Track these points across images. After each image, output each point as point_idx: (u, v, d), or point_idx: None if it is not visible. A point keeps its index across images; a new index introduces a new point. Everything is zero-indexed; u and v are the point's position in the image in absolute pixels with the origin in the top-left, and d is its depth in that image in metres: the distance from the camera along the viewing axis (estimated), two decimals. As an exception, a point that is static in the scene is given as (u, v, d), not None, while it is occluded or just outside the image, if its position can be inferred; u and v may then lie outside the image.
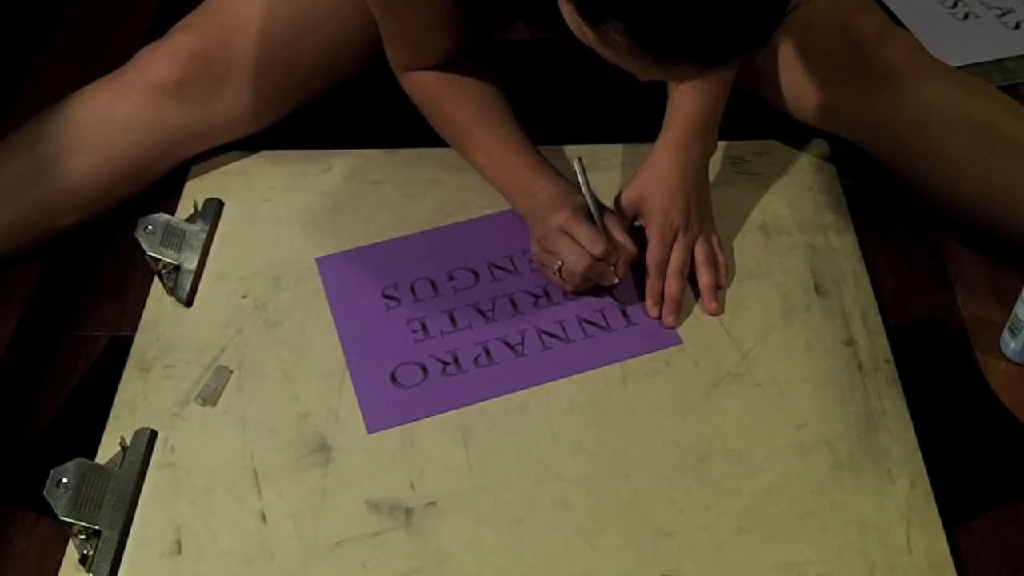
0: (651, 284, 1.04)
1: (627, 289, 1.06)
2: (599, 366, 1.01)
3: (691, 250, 1.05)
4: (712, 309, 1.04)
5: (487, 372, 1.01)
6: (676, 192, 1.04)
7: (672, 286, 1.04)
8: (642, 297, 1.05)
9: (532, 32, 1.25)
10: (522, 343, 1.03)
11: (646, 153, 1.18)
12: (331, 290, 1.08)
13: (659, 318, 1.04)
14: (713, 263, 1.06)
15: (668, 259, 1.04)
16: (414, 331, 1.05)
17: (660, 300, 1.04)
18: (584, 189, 1.03)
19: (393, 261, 1.11)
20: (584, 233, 1.01)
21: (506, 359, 1.02)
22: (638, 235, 1.06)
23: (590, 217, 1.02)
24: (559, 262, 1.02)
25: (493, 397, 0.99)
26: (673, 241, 1.04)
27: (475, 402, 0.99)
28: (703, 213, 1.07)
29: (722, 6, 0.67)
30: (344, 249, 1.12)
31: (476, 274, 1.09)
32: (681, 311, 1.04)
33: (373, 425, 0.97)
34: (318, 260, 1.11)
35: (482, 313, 1.06)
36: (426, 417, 0.98)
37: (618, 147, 1.21)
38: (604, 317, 1.05)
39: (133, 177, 1.14)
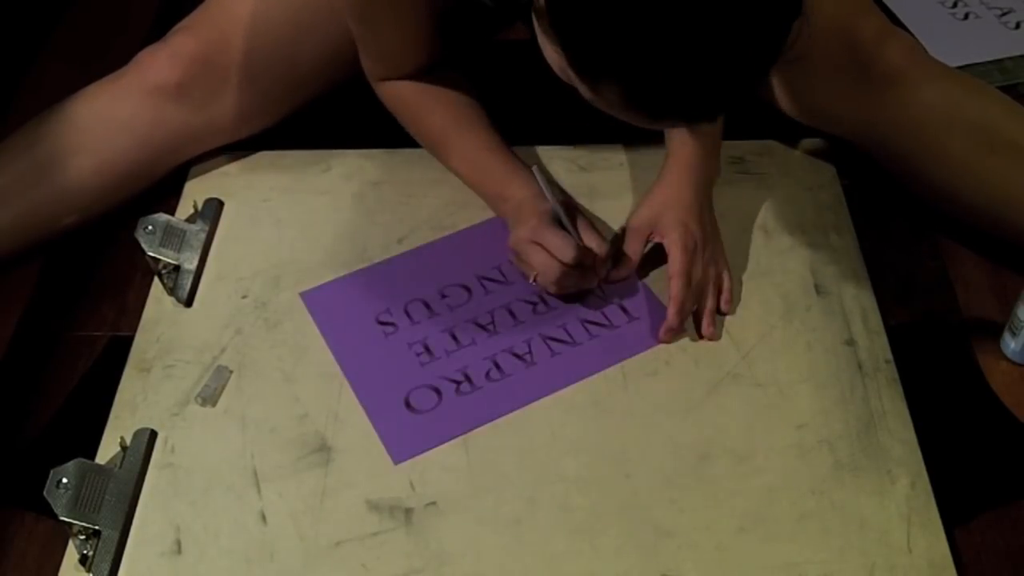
0: (677, 293, 1.01)
1: (614, 288, 1.06)
2: (610, 365, 1.01)
3: (709, 267, 1.04)
4: (709, 333, 1.02)
5: (501, 386, 1.00)
6: (691, 206, 1.04)
7: (708, 301, 1.03)
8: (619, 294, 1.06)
9: (532, 32, 1.25)
10: (530, 352, 1.02)
11: (645, 153, 1.19)
12: (323, 325, 1.05)
13: (671, 330, 1.02)
14: (718, 289, 1.04)
15: (693, 267, 1.02)
16: (418, 354, 1.02)
17: (681, 310, 1.01)
18: (548, 196, 1.02)
19: (380, 286, 1.08)
20: (552, 241, 1.00)
21: (517, 370, 1.01)
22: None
23: (560, 223, 1.01)
24: (534, 272, 1.02)
25: (514, 411, 0.98)
26: (695, 250, 1.02)
27: (496, 418, 0.97)
28: (716, 234, 1.07)
29: (713, 72, 0.72)
30: (326, 280, 1.09)
31: (468, 289, 1.08)
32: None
33: (399, 456, 0.95)
34: (303, 295, 1.07)
35: (483, 327, 1.04)
36: (452, 439, 0.96)
37: (618, 147, 1.21)
38: (605, 316, 1.05)
39: (133, 178, 1.14)
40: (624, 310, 1.05)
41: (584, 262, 1.01)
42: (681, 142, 1.07)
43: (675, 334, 1.02)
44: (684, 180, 1.05)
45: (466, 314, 1.06)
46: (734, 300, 1.06)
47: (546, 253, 1.01)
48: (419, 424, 0.97)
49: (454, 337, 1.04)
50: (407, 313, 1.06)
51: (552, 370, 1.01)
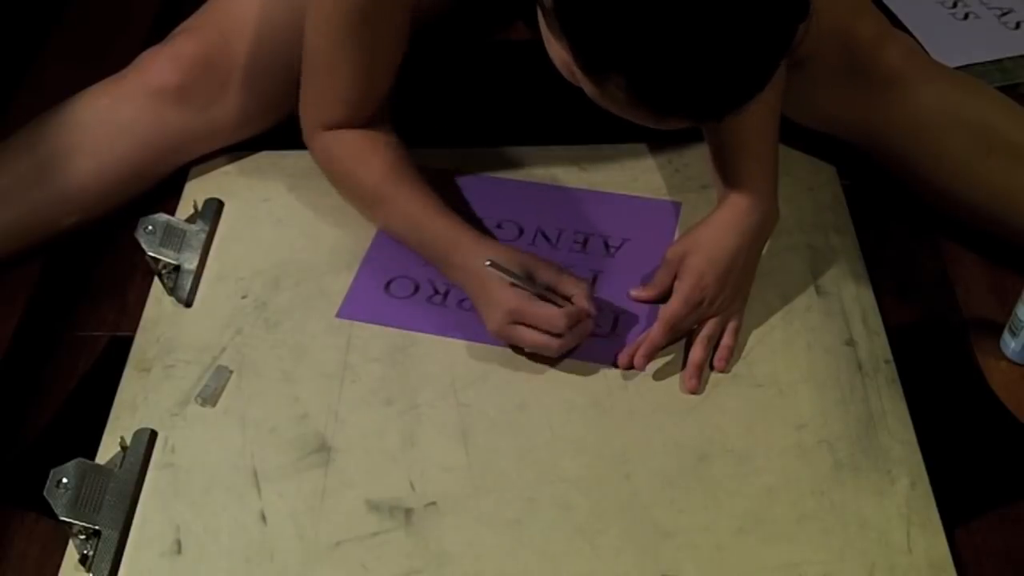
0: (652, 336, 0.99)
1: (605, 317, 1.04)
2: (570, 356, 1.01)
3: (705, 321, 1.01)
4: (690, 387, 0.98)
5: (465, 316, 1.04)
6: (722, 258, 0.99)
7: (697, 354, 0.99)
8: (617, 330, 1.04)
9: (532, 32, 1.26)
10: None
11: (646, 153, 1.19)
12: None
13: (629, 367, 1.00)
14: (714, 343, 1.00)
15: (684, 319, 0.99)
16: None
17: (651, 352, 0.99)
18: (512, 281, 0.97)
19: (461, 194, 1.15)
20: (539, 318, 0.96)
21: None
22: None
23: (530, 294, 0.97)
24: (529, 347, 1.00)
25: (455, 338, 1.03)
26: (697, 304, 0.99)
27: (438, 334, 1.04)
28: (738, 294, 1.02)
29: (718, 68, 0.72)
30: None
31: (521, 231, 1.12)
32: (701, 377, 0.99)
33: (345, 312, 1.06)
34: None
35: None
36: (390, 326, 1.04)
37: (618, 147, 1.21)
38: (595, 321, 1.02)
39: (134, 180, 1.14)
40: (615, 323, 1.04)
41: (577, 319, 0.97)
42: (736, 182, 1.02)
43: (626, 368, 1.00)
44: (729, 225, 1.00)
45: None
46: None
47: (536, 331, 0.97)
48: (381, 302, 1.07)
49: None
50: None
51: None
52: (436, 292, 1.07)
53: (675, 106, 0.75)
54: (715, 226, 1.01)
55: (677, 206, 1.15)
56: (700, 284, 0.99)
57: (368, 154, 1.08)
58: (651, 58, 0.71)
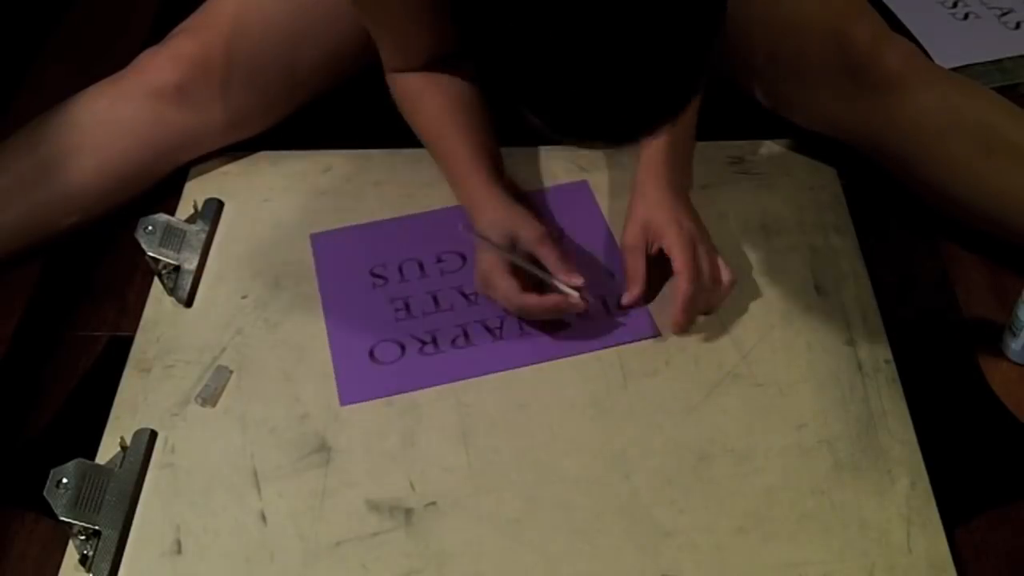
0: (685, 290, 1.00)
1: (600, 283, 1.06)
2: (573, 354, 1.02)
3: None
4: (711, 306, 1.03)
5: (464, 353, 1.02)
6: (676, 205, 1.03)
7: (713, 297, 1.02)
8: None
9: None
10: (501, 327, 1.04)
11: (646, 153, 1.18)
12: (321, 265, 1.10)
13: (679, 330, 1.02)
14: (715, 280, 1.03)
15: (698, 260, 1.01)
16: (397, 310, 1.06)
17: (691, 307, 1.01)
18: (491, 250, 1.00)
19: (385, 240, 1.12)
20: (499, 292, 1.00)
21: (484, 342, 1.03)
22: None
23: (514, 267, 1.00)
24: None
25: (468, 377, 1.00)
26: (695, 243, 1.01)
27: (449, 381, 1.00)
28: (704, 230, 1.05)
29: (624, 99, 0.71)
30: (339, 227, 1.13)
31: (464, 258, 1.10)
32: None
33: (347, 398, 0.99)
34: (312, 236, 1.12)
35: (464, 296, 1.06)
36: (399, 393, 0.99)
37: (618, 147, 1.21)
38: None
39: (135, 180, 1.14)
40: (605, 304, 1.05)
41: (535, 309, 1.00)
42: (650, 162, 1.05)
43: (683, 330, 1.02)
44: (660, 185, 1.04)
45: (454, 281, 1.08)
46: (734, 300, 1.05)
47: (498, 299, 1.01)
48: (375, 374, 1.01)
49: (435, 300, 1.06)
50: (400, 270, 1.09)
51: (516, 347, 1.02)
52: (423, 343, 1.03)
53: (589, 134, 0.75)
54: (649, 194, 1.04)
55: (583, 184, 1.15)
56: (683, 229, 1.01)
57: (421, 98, 1.11)
58: (552, 95, 0.70)
